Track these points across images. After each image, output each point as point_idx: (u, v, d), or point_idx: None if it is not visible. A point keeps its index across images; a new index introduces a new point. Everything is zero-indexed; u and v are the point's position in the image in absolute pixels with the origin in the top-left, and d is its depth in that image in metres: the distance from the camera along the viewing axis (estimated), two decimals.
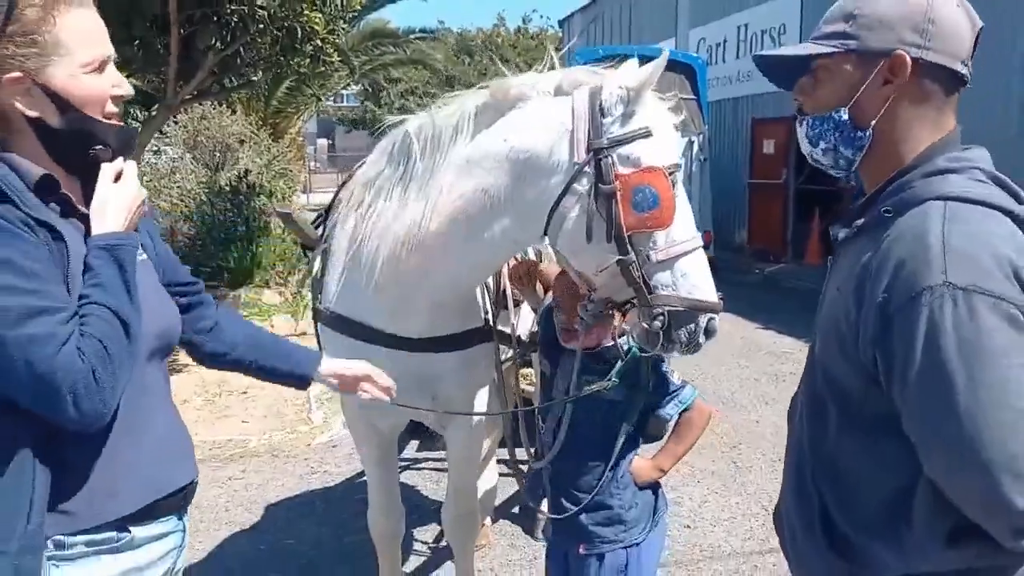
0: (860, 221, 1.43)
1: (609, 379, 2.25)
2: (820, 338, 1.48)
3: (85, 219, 1.50)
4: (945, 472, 1.26)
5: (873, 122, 1.42)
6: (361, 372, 2.08)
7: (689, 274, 2.05)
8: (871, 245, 1.35)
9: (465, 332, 2.53)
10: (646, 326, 2.06)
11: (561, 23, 26.14)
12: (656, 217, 2.00)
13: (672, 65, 10.53)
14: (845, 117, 1.44)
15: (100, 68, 1.51)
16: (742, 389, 6.86)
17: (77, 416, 1.34)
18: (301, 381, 2.04)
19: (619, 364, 2.27)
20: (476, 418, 2.69)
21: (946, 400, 1.22)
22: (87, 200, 1.52)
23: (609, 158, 2.02)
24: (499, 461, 4.21)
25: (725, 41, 16.18)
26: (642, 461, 2.43)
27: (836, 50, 1.44)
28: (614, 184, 2.00)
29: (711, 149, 12.48)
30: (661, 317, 2.02)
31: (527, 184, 2.12)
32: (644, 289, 2.04)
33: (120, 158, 1.55)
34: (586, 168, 2.04)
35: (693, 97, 11.13)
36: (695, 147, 11.28)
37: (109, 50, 1.53)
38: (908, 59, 1.37)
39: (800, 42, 1.54)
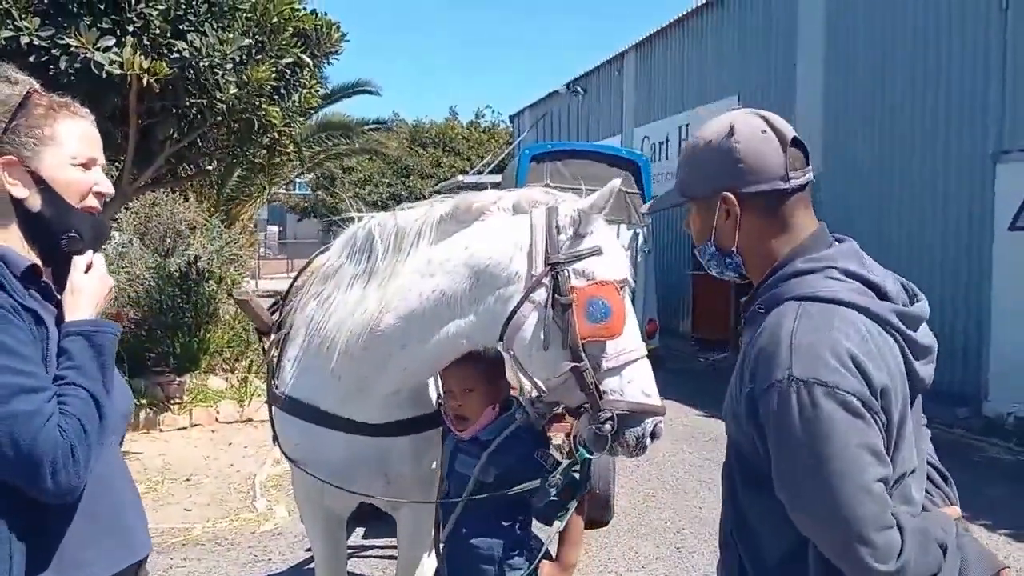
0: (745, 315, 1.67)
1: (554, 476, 2.34)
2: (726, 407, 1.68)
3: (59, 305, 1.62)
4: (807, 532, 1.47)
5: (733, 247, 1.68)
6: None
7: (636, 380, 2.20)
8: (750, 335, 1.58)
9: (418, 418, 2.61)
10: (596, 429, 2.18)
11: (512, 118, 26.95)
12: (608, 327, 2.18)
13: (618, 161, 11.04)
14: (713, 248, 1.72)
15: (87, 165, 1.68)
16: (686, 475, 6.99)
17: (54, 488, 1.43)
18: None
19: (562, 465, 2.38)
20: (428, 497, 2.75)
21: (798, 476, 1.44)
22: (59, 286, 1.64)
23: (565, 272, 2.20)
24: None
25: (668, 139, 16.87)
26: (551, 567, 2.46)
27: (679, 202, 1.75)
28: (570, 296, 2.18)
29: (655, 241, 12.88)
30: (611, 421, 2.16)
31: (485, 291, 2.27)
32: (596, 394, 2.17)
33: (91, 250, 1.69)
34: (544, 280, 2.21)
35: (638, 191, 11.52)
36: (640, 239, 11.64)
37: (99, 155, 1.72)
38: (732, 197, 1.63)
39: None
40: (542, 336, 2.21)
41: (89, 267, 1.68)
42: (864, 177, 11.10)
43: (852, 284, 1.56)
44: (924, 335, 1.62)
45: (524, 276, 2.24)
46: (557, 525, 2.43)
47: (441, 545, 2.52)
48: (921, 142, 10.27)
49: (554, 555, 2.50)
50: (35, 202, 1.61)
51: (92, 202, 1.68)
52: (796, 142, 1.65)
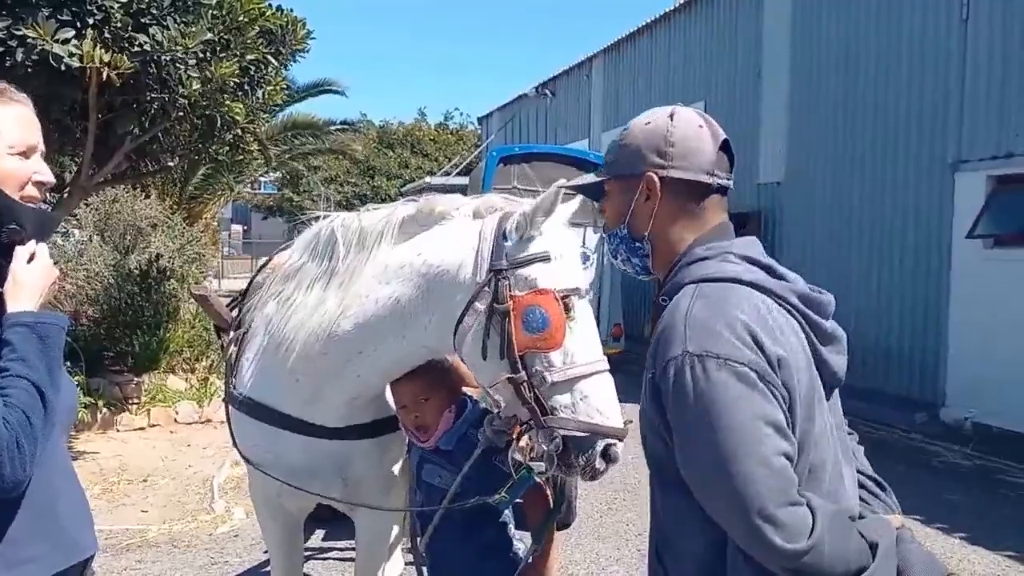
0: (653, 311, 1.66)
1: (500, 494, 2.28)
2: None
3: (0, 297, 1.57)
4: (709, 507, 1.44)
5: (646, 232, 1.68)
6: None
7: (590, 397, 2.04)
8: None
9: (377, 421, 2.58)
10: (544, 447, 2.06)
11: (480, 120, 26.94)
12: (546, 338, 2.05)
13: (586, 164, 11.10)
14: (624, 232, 1.71)
15: (26, 154, 1.61)
16: (648, 478, 7.00)
17: None
18: None
19: (508, 484, 2.30)
20: (387, 498, 2.73)
21: (696, 447, 1.42)
22: (0, 279, 1.59)
23: (506, 279, 2.10)
24: (404, 549, 4.20)
25: None
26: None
27: (603, 178, 1.75)
28: (507, 304, 2.08)
29: None
30: (557, 440, 2.03)
31: (436, 297, 2.22)
32: (536, 409, 2.06)
33: (33, 240, 1.63)
34: (486, 287, 2.13)
35: None
36: (606, 244, 11.70)
37: (39, 141, 1.64)
38: (656, 178, 1.63)
39: None
40: (481, 345, 2.13)
41: (32, 258, 1.61)
42: (825, 185, 11.26)
43: (748, 266, 1.58)
44: (832, 326, 1.63)
45: (470, 283, 2.17)
46: (535, 547, 2.43)
47: (422, 554, 2.48)
48: (882, 151, 10.44)
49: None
50: None
51: (32, 191, 1.62)
52: (726, 147, 1.67)
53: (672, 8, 15.75)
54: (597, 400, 2.05)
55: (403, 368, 2.40)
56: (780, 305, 1.54)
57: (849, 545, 1.40)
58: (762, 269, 1.58)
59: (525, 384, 2.06)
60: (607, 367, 2.13)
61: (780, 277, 1.60)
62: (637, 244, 1.70)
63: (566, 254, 2.18)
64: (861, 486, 1.69)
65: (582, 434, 2.02)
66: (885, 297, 10.00)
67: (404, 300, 2.25)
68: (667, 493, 1.58)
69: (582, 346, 2.09)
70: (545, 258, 2.13)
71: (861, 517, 1.54)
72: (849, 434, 1.77)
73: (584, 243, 11.27)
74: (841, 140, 11.03)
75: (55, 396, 1.52)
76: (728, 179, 1.66)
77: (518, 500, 2.45)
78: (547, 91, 20.86)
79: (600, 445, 2.03)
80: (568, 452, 2.04)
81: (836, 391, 1.67)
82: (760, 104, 12.88)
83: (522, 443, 2.25)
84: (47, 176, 1.66)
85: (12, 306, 1.55)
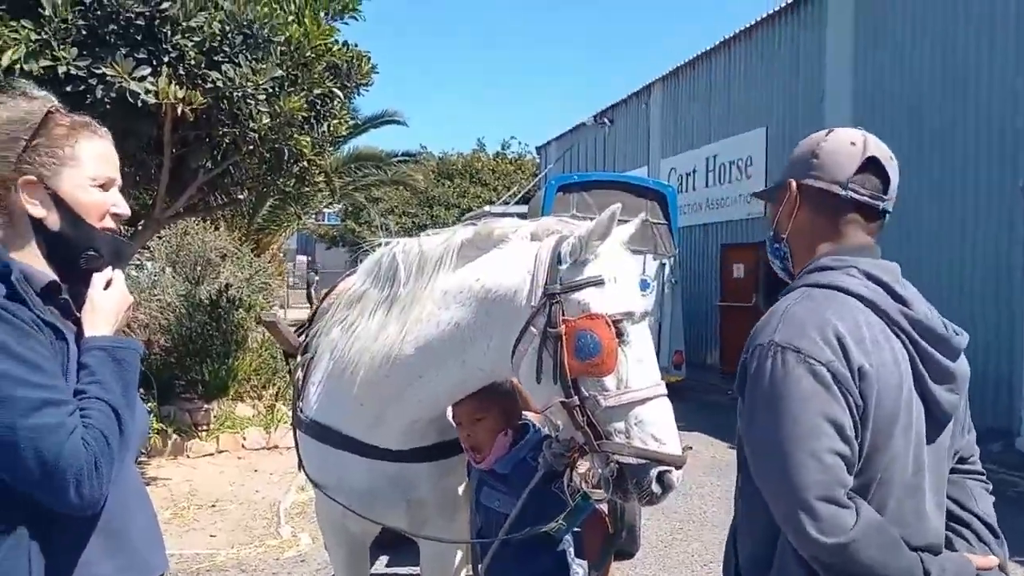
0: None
1: (557, 522, 2.27)
2: None
3: (77, 321, 1.64)
4: (764, 495, 1.51)
5: (784, 235, 1.78)
6: None
7: (645, 423, 2.03)
8: None
9: (441, 444, 2.60)
10: (600, 471, 2.07)
11: (539, 149, 27.10)
12: (597, 364, 2.04)
13: (644, 191, 11.09)
14: (771, 232, 1.82)
15: (105, 186, 1.69)
16: (714, 507, 6.89)
17: (78, 501, 1.43)
18: None
19: (565, 512, 2.28)
20: (450, 523, 2.75)
21: (759, 429, 1.50)
22: (77, 304, 1.66)
23: (559, 303, 2.11)
24: None
25: (695, 170, 16.89)
26: None
27: (771, 187, 1.85)
28: (559, 328, 2.08)
29: (682, 272, 12.86)
30: (612, 465, 2.03)
31: (493, 321, 2.24)
32: (590, 433, 2.06)
33: (110, 267, 1.70)
34: (540, 311, 2.14)
35: (664, 222, 11.59)
36: (667, 269, 11.63)
37: (117, 176, 1.73)
38: (795, 184, 1.74)
39: (765, 173, 1.93)
40: (535, 369, 2.14)
41: (108, 284, 1.68)
42: (894, 211, 10.98)
43: (866, 281, 1.61)
44: (959, 365, 1.65)
45: (525, 307, 2.17)
46: (593, 574, 2.42)
47: None
48: (950, 174, 10.21)
49: None
50: (54, 221, 1.62)
51: (109, 223, 1.70)
52: (880, 169, 1.70)
53: (732, 35, 15.70)
54: (652, 426, 2.04)
55: (463, 391, 2.42)
56: (889, 327, 1.57)
57: (891, 562, 1.43)
58: (883, 288, 1.61)
59: (578, 408, 2.06)
60: (664, 392, 2.11)
61: (902, 302, 1.62)
62: (777, 245, 1.82)
63: (620, 278, 2.17)
64: (969, 528, 1.68)
65: (636, 460, 2.01)
66: (957, 323, 9.62)
67: (464, 324, 2.27)
68: (745, 483, 1.66)
69: (637, 371, 2.08)
70: (598, 282, 2.12)
71: (943, 550, 1.57)
72: (982, 481, 1.78)
73: (644, 270, 11.26)
74: (907, 163, 10.75)
75: (131, 419, 1.58)
76: (873, 199, 1.70)
77: (576, 529, 2.44)
78: (605, 119, 20.91)
79: (654, 472, 2.02)
80: (624, 478, 2.04)
81: (948, 427, 1.67)
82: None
83: (581, 468, 2.25)
84: (124, 208, 1.73)
85: (90, 331, 1.62)
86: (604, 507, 2.63)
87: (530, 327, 2.15)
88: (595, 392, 2.06)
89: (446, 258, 2.34)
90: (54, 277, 1.61)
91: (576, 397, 2.06)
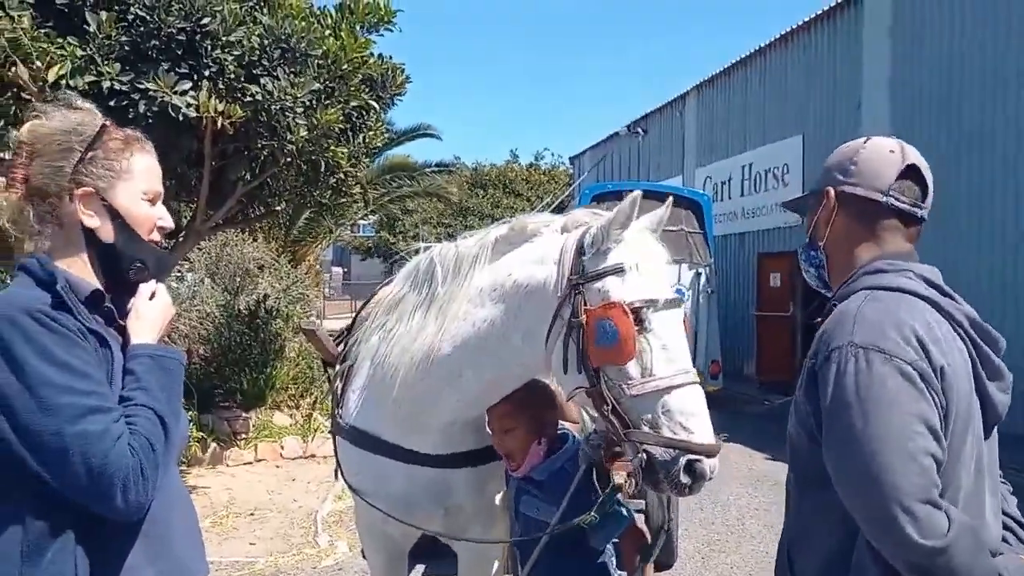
0: (819, 319, 1.70)
1: (588, 514, 2.23)
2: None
3: (121, 330, 1.68)
4: (848, 496, 1.45)
5: (821, 243, 1.77)
6: None
7: (673, 411, 1.99)
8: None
9: (479, 450, 2.60)
10: (631, 460, 2.06)
11: (572, 159, 27.11)
12: (615, 352, 2.03)
13: (679, 200, 11.03)
14: (807, 240, 1.81)
15: (153, 200, 1.75)
16: (751, 519, 6.81)
17: (124, 507, 1.46)
18: None
19: (597, 503, 2.25)
20: (488, 531, 2.74)
21: (846, 436, 1.44)
22: (120, 313, 1.70)
23: (582, 292, 2.12)
24: None
25: (730, 179, 16.78)
26: None
27: (806, 195, 1.86)
28: (581, 317, 2.09)
29: (718, 282, 12.76)
30: (641, 455, 2.00)
31: (525, 315, 2.25)
32: (615, 423, 2.04)
33: (154, 279, 1.75)
34: (566, 301, 2.15)
35: (700, 231, 11.52)
36: (702, 279, 11.55)
37: (161, 189, 1.78)
38: (832, 192, 1.73)
39: (802, 180, 1.92)
40: (562, 358, 2.14)
41: (152, 296, 1.73)
42: (934, 215, 10.81)
43: (924, 284, 1.61)
44: (1000, 362, 1.64)
45: (554, 298, 2.18)
46: None
47: None
48: (990, 177, 10.03)
49: None
50: (107, 233, 1.66)
51: (156, 236, 1.75)
52: (919, 177, 1.71)
53: (768, 42, 15.61)
54: (680, 415, 1.99)
55: (502, 390, 2.42)
56: (952, 326, 1.57)
57: (977, 563, 1.39)
58: (937, 291, 1.61)
59: (603, 397, 2.05)
60: (693, 380, 2.06)
61: (949, 295, 1.63)
62: (813, 253, 1.80)
63: (644, 265, 2.15)
64: (1007, 528, 1.67)
65: (665, 449, 1.97)
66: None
67: (499, 320, 2.28)
68: (805, 491, 1.62)
69: (661, 359, 2.05)
70: (619, 270, 2.11)
71: (999, 554, 1.53)
72: (1002, 481, 1.75)
73: (679, 279, 11.19)
74: (945, 165, 10.63)
75: (176, 426, 1.61)
76: (912, 206, 1.70)
77: (615, 540, 2.43)
78: (639, 129, 20.86)
79: (683, 460, 1.96)
80: (654, 468, 1.99)
81: (995, 429, 1.67)
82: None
83: (619, 479, 2.22)
84: (169, 222, 1.78)
85: (137, 339, 1.65)
86: (640, 516, 2.60)
87: (558, 317, 2.16)
88: (619, 381, 2.04)
89: (482, 255, 2.36)
90: (98, 286, 1.65)
91: (601, 385, 2.05)
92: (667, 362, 2.05)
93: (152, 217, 1.73)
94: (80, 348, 1.51)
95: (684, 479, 1.97)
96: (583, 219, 2.29)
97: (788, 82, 14.99)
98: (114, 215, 1.66)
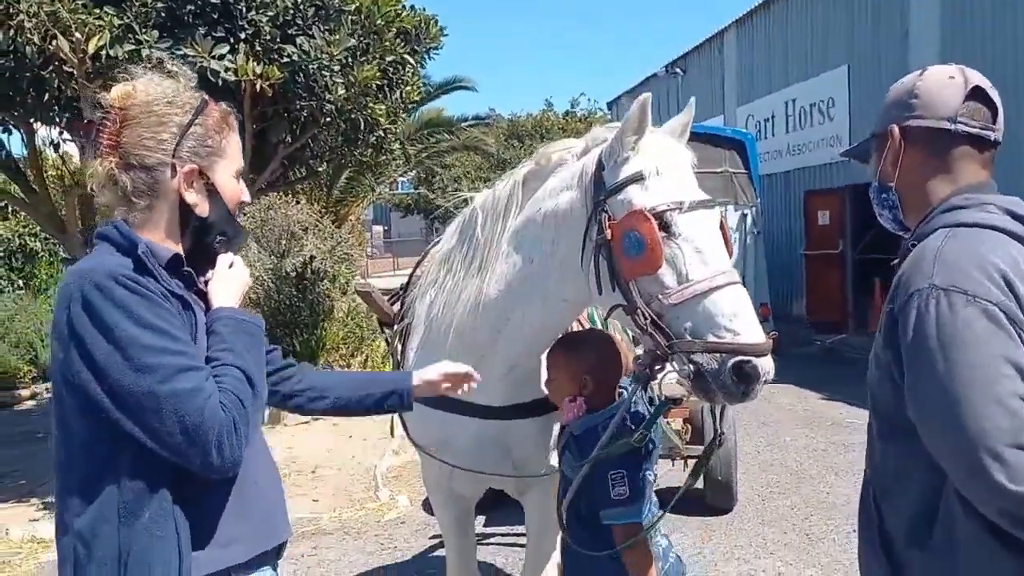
0: (896, 260, 1.63)
1: (640, 432, 2.13)
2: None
3: (201, 294, 1.69)
4: (934, 444, 1.40)
5: (892, 184, 1.69)
6: (443, 371, 2.23)
7: (714, 315, 1.89)
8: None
9: (538, 400, 2.57)
10: (679, 372, 1.97)
11: (609, 105, 26.72)
12: (644, 261, 1.95)
13: (722, 141, 10.75)
14: (876, 184, 1.73)
15: (238, 176, 1.77)
16: (810, 460, 6.76)
17: (219, 463, 1.48)
18: (402, 397, 2.18)
19: (646, 420, 2.18)
20: (552, 482, 2.74)
21: (930, 380, 1.38)
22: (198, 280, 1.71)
23: (606, 209, 2.06)
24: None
25: (773, 116, 16.38)
26: None
27: (868, 139, 1.78)
28: (607, 232, 2.02)
29: (764, 222, 12.53)
30: (687, 366, 1.91)
31: (560, 246, 2.22)
32: (655, 336, 1.94)
33: (230, 251, 1.77)
34: (592, 220, 2.10)
35: (744, 171, 11.25)
36: (748, 220, 11.34)
37: (243, 165, 1.80)
38: (896, 129, 1.65)
39: (848, 114, 1.80)
40: (595, 279, 2.09)
41: (231, 265, 1.76)
42: (1001, 146, 10.46)
43: (1008, 218, 1.53)
44: None
45: (582, 220, 2.13)
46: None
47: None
48: None
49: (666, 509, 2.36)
50: (204, 208, 1.68)
51: (236, 210, 1.77)
52: (986, 98, 1.63)
53: None
54: (722, 317, 1.88)
55: (554, 331, 2.41)
56: None
57: None
58: (1022, 223, 1.53)
59: (639, 312, 1.96)
60: (734, 279, 1.95)
61: None
62: (885, 195, 1.72)
63: (664, 169, 2.05)
64: None
65: (711, 355, 1.87)
66: None
67: (536, 256, 2.26)
68: (889, 441, 1.58)
69: (696, 262, 1.95)
70: (638, 178, 2.04)
71: None
72: None
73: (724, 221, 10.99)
74: (1009, 93, 10.22)
75: (262, 383, 1.63)
76: (984, 130, 1.62)
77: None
78: (677, 69, 20.43)
79: (730, 363, 1.85)
80: (703, 377, 1.89)
81: None
82: (908, 68, 12.11)
83: (676, 425, 2.15)
84: (247, 196, 1.81)
85: (218, 303, 1.67)
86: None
87: (588, 239, 2.11)
88: (656, 291, 1.96)
89: (514, 195, 2.34)
90: (177, 251, 1.66)
91: (637, 300, 1.96)
92: (702, 264, 1.95)
93: (239, 193, 1.76)
94: (165, 310, 1.52)
95: (731, 385, 1.87)
96: (602, 136, 2.23)
97: (830, 12, 14.48)
98: (212, 192, 1.69)
